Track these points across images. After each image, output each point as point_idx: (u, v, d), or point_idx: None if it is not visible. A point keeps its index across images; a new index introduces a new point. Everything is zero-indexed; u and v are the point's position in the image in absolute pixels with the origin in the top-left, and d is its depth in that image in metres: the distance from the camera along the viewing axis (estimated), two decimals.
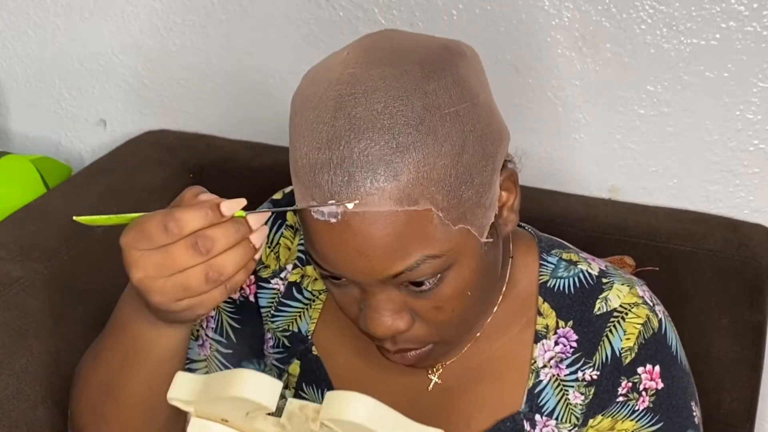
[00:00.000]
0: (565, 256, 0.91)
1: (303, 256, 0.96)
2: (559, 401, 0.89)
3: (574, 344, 0.88)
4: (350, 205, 0.70)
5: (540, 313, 0.89)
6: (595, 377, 0.88)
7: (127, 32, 1.59)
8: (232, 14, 1.51)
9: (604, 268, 0.91)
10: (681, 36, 1.28)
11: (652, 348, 0.87)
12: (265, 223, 0.73)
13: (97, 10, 1.60)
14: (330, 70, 0.75)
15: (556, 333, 0.89)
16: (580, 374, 0.88)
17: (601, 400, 0.88)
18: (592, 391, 0.88)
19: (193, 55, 1.57)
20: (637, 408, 0.87)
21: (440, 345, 0.83)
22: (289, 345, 0.96)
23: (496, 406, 0.89)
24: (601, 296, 0.88)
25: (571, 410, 0.88)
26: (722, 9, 1.25)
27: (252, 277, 0.96)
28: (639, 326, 0.87)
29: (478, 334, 0.89)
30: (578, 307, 0.89)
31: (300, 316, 0.96)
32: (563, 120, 1.38)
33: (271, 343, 0.98)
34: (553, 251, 0.92)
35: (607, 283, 0.89)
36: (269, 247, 0.96)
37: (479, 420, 0.89)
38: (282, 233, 0.97)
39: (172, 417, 0.89)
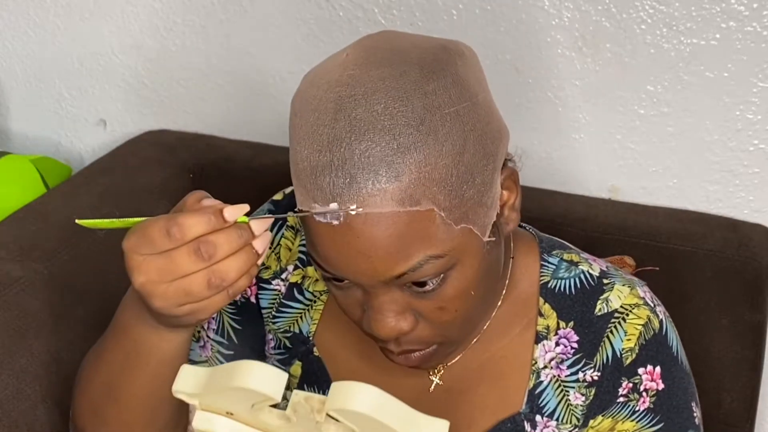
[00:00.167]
0: (566, 256, 0.91)
1: (304, 257, 0.96)
2: (559, 402, 0.89)
3: (575, 345, 0.88)
4: (353, 210, 0.70)
5: (541, 314, 0.89)
6: (595, 378, 0.88)
7: (127, 32, 1.59)
8: (232, 14, 1.51)
9: (605, 269, 0.91)
10: (681, 36, 1.28)
11: (652, 349, 0.87)
12: (270, 230, 0.73)
13: (97, 10, 1.60)
14: (329, 72, 0.75)
15: (556, 334, 0.89)
16: (580, 375, 0.88)
17: (602, 400, 0.88)
18: (593, 391, 0.88)
19: (193, 55, 1.57)
20: (637, 409, 0.87)
21: (444, 346, 0.82)
22: (290, 346, 0.96)
23: (497, 407, 0.89)
24: (602, 297, 0.88)
25: (571, 411, 0.88)
26: (722, 9, 1.25)
27: None
28: (640, 327, 0.87)
29: (479, 335, 0.89)
30: (579, 307, 0.89)
31: (301, 317, 0.96)
32: (563, 120, 1.38)
33: (272, 344, 0.98)
34: (554, 252, 0.92)
35: (608, 283, 0.89)
36: (270, 248, 0.96)
37: (480, 421, 0.89)
38: (283, 234, 0.97)
39: (173, 418, 0.89)
